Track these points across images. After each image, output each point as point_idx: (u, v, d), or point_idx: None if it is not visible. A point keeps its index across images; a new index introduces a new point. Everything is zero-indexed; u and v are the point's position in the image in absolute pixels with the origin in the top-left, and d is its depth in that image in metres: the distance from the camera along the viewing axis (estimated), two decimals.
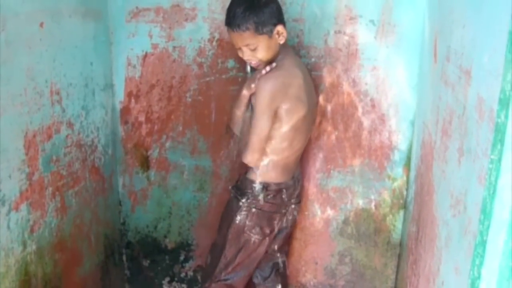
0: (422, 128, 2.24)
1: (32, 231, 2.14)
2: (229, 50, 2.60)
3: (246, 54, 2.19)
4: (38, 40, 2.12)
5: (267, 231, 2.33)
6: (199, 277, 3.00)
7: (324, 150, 2.65)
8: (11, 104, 1.96)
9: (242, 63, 2.51)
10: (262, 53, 2.17)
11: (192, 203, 2.89)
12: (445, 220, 1.54)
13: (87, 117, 2.55)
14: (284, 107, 2.13)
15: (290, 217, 2.44)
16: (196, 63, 2.68)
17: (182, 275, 3.03)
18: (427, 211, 1.91)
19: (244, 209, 2.30)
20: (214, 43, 2.63)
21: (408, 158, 2.54)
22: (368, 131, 2.55)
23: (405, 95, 2.47)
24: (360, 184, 2.63)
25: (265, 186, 2.27)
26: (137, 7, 2.66)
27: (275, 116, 2.15)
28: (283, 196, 2.32)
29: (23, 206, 2.07)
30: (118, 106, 2.84)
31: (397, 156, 2.56)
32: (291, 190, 2.36)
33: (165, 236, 2.99)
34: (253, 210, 2.29)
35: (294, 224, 2.56)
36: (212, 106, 2.72)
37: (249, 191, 2.29)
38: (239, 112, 2.33)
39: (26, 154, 2.08)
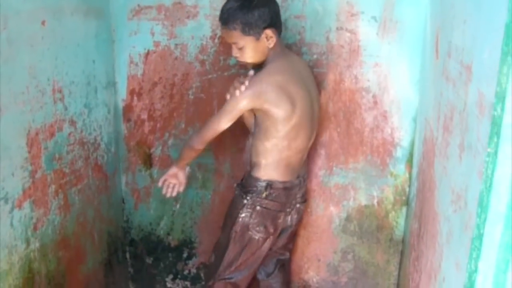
0: (424, 125, 2.24)
1: (35, 228, 2.14)
2: (231, 47, 2.59)
3: (234, 51, 2.23)
4: (40, 38, 2.13)
5: (271, 229, 2.33)
6: (202, 274, 3.01)
7: (326, 147, 2.65)
8: (13, 102, 1.97)
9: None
10: (249, 54, 2.19)
11: (195, 200, 2.90)
12: (446, 216, 1.53)
13: (90, 115, 2.56)
14: (272, 110, 2.13)
15: (295, 216, 2.43)
16: (198, 61, 2.68)
17: (185, 272, 3.04)
18: (429, 207, 1.91)
19: (248, 207, 2.29)
20: (216, 40, 2.63)
21: (411, 155, 2.54)
22: (370, 128, 2.54)
23: (407, 91, 2.47)
24: (362, 181, 2.63)
25: (269, 184, 2.26)
26: (138, 5, 2.66)
27: (268, 116, 2.16)
28: (288, 195, 2.31)
29: (26, 204, 2.08)
30: (121, 104, 2.84)
31: (399, 153, 2.56)
32: (296, 189, 2.35)
33: (168, 234, 3.00)
34: (257, 208, 2.29)
35: (299, 223, 2.55)
36: (214, 103, 2.72)
37: (253, 189, 2.29)
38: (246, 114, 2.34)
39: (29, 152, 2.09)
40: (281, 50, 2.22)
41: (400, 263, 2.69)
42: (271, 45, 2.17)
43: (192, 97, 2.74)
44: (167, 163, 2.87)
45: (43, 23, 2.14)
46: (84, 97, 2.50)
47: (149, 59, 2.74)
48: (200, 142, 2.30)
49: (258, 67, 2.23)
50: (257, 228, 2.31)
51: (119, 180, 2.96)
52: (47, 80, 2.19)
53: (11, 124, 1.97)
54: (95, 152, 2.64)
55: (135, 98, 2.82)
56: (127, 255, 3.09)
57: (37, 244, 2.17)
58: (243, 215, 2.30)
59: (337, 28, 2.46)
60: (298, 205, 2.42)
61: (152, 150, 2.88)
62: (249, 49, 2.18)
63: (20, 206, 2.04)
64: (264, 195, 2.26)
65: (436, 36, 2.02)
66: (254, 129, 2.30)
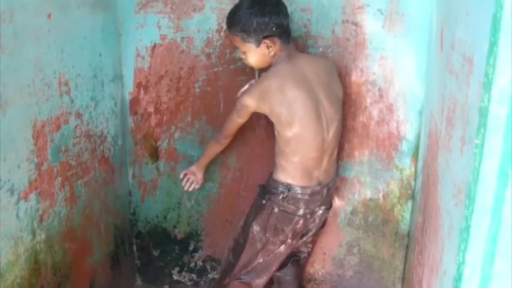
0: (429, 118, 2.23)
1: (41, 220, 2.16)
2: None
3: (240, 53, 2.32)
4: (46, 31, 2.14)
5: (289, 233, 2.30)
6: (208, 267, 3.02)
7: None
8: (19, 95, 1.98)
9: None
10: (251, 60, 2.26)
11: (201, 193, 2.91)
12: (448, 210, 1.53)
13: (96, 108, 2.57)
14: (270, 113, 2.17)
15: (317, 221, 2.39)
16: (204, 54, 2.69)
17: (192, 265, 3.05)
18: (432, 201, 1.90)
19: (266, 208, 2.29)
20: (222, 33, 2.63)
21: (416, 148, 2.53)
22: (376, 121, 2.54)
23: (413, 84, 2.46)
24: (368, 175, 2.63)
25: (288, 188, 2.25)
26: None
27: (272, 119, 2.20)
28: (307, 201, 2.27)
29: (32, 196, 2.10)
30: (128, 97, 2.86)
31: (405, 147, 2.55)
32: (318, 196, 2.30)
33: (175, 226, 3.02)
34: (275, 210, 2.27)
35: (321, 228, 2.52)
36: (220, 96, 2.73)
37: (272, 190, 2.28)
38: None
39: (35, 144, 2.10)
40: (286, 56, 2.22)
41: (406, 257, 2.69)
42: (271, 54, 2.20)
43: (198, 90, 2.75)
44: (173, 156, 2.89)
45: (49, 16, 2.15)
46: (90, 90, 2.51)
47: (155, 52, 2.75)
48: (222, 136, 2.45)
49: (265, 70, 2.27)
50: (274, 231, 2.29)
51: (126, 173, 2.97)
52: (53, 73, 2.20)
53: (17, 117, 1.98)
54: (102, 144, 2.66)
55: (142, 91, 2.83)
56: (134, 248, 3.11)
57: (43, 236, 2.19)
58: (261, 216, 2.30)
59: (342, 21, 2.45)
60: (321, 212, 2.37)
61: (158, 143, 2.90)
62: (250, 55, 2.24)
63: (26, 198, 2.06)
64: (281, 197, 2.25)
65: (441, 28, 2.01)
66: None
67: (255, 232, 2.32)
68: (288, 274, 2.61)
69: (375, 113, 2.53)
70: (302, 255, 2.60)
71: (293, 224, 2.29)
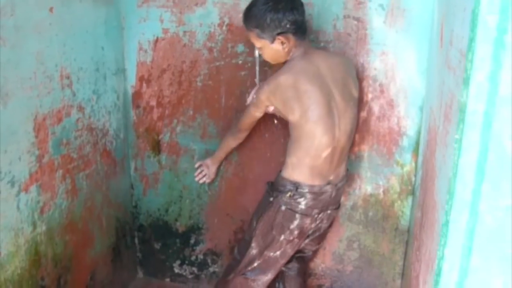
0: (429, 114, 2.22)
1: (42, 212, 2.18)
2: (238, 35, 2.61)
3: (256, 49, 2.34)
4: (48, 24, 2.15)
5: (295, 232, 2.29)
6: (209, 261, 3.04)
7: None
8: (20, 87, 2.00)
9: (251, 48, 2.51)
10: (267, 55, 2.28)
11: (203, 187, 2.92)
12: (442, 205, 1.53)
13: (98, 101, 2.59)
14: (283, 108, 2.18)
15: (325, 221, 2.38)
16: (206, 48, 2.69)
17: (193, 258, 3.07)
18: (430, 196, 1.90)
19: (274, 206, 2.28)
20: (224, 27, 2.63)
21: (417, 144, 2.52)
22: (377, 116, 2.53)
23: (414, 80, 2.45)
24: (368, 170, 2.62)
25: (296, 186, 2.23)
26: None
27: (285, 115, 2.20)
28: (315, 200, 2.25)
29: (33, 188, 2.12)
30: (130, 91, 2.87)
31: (405, 142, 2.54)
32: (326, 196, 2.28)
33: (176, 220, 3.03)
34: (282, 208, 2.26)
35: (329, 227, 2.51)
36: (222, 90, 2.73)
37: (280, 188, 2.27)
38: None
39: (36, 137, 2.12)
40: (302, 52, 2.22)
41: (405, 252, 2.69)
42: (286, 50, 2.21)
43: (200, 84, 2.75)
44: (175, 150, 2.90)
45: (51, 9, 2.16)
46: (92, 83, 2.52)
47: (158, 46, 2.76)
48: (237, 130, 2.52)
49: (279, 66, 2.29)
50: (281, 229, 2.28)
51: (128, 166, 2.99)
52: (55, 66, 2.22)
53: (18, 109, 2.00)
54: (104, 138, 2.67)
55: (144, 84, 2.84)
56: (136, 240, 3.13)
57: (44, 228, 2.21)
58: (268, 214, 2.29)
59: (344, 16, 2.45)
60: (329, 212, 2.36)
61: (160, 137, 2.91)
62: (265, 51, 2.26)
63: (26, 190, 2.08)
64: (288, 195, 2.24)
65: (441, 24, 2.01)
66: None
67: (261, 229, 2.32)
68: (292, 269, 2.61)
69: (376, 108, 2.52)
70: (307, 253, 2.59)
71: (300, 223, 2.27)
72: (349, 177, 2.61)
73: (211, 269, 3.06)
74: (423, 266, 1.89)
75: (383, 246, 2.73)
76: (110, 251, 2.83)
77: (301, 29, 2.20)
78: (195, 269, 3.09)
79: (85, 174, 2.51)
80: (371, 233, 2.72)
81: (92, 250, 2.63)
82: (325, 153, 2.20)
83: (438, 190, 1.69)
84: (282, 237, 2.29)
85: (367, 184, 2.65)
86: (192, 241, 3.04)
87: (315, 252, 2.68)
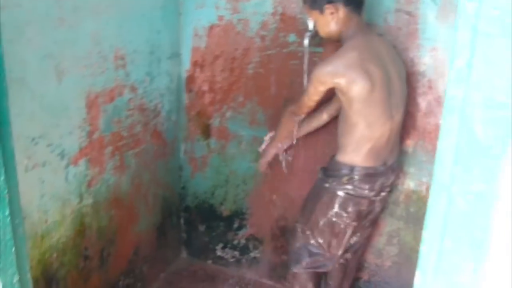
0: None
1: (89, 185, 2.29)
2: (291, 24, 2.62)
3: (306, 37, 2.33)
4: (105, 6, 2.24)
5: (353, 215, 2.26)
6: (250, 246, 3.08)
7: None
8: (75, 66, 2.10)
9: (302, 37, 2.52)
10: (320, 27, 2.23)
11: (248, 173, 2.96)
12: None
13: (152, 83, 2.67)
14: (348, 87, 2.09)
15: (379, 203, 2.35)
16: (259, 36, 2.72)
17: (235, 242, 3.13)
18: None
19: (329, 191, 2.26)
20: (277, 17, 2.66)
21: None
22: (424, 112, 2.49)
23: None
24: (412, 166, 2.58)
25: (352, 169, 2.21)
26: None
27: (345, 95, 2.12)
28: (371, 182, 2.23)
29: (82, 162, 2.22)
30: (184, 75, 2.94)
31: None
32: (382, 178, 2.25)
33: (221, 203, 3.09)
34: (339, 193, 2.24)
35: (381, 211, 2.48)
36: (272, 79, 2.76)
37: (335, 173, 2.25)
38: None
39: (88, 113, 2.23)
40: (358, 29, 2.17)
41: None
42: (335, 21, 2.16)
43: (251, 71, 2.79)
44: (224, 135, 2.95)
45: None
46: (146, 65, 2.61)
47: (212, 32, 2.81)
48: (297, 113, 2.38)
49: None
50: (338, 214, 2.25)
51: (178, 148, 3.07)
52: (110, 47, 2.31)
53: (72, 86, 2.11)
54: (155, 119, 2.76)
55: (198, 69, 2.91)
56: (181, 221, 3.22)
57: (90, 200, 2.31)
58: (324, 200, 2.27)
59: (395, 10, 2.42)
60: (383, 194, 2.33)
61: (210, 121, 2.97)
62: (318, 23, 2.22)
63: (75, 163, 2.18)
64: (345, 179, 2.22)
65: None
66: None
67: (319, 217, 2.29)
68: (332, 278, 2.59)
69: (423, 104, 2.48)
70: (355, 247, 2.51)
71: (357, 206, 2.24)
72: None
73: (252, 254, 3.10)
74: None
75: None
76: (155, 229, 2.92)
77: (354, 1, 2.16)
78: (236, 253, 3.15)
79: (134, 153, 2.61)
80: (411, 229, 2.68)
81: (137, 226, 2.73)
82: (383, 133, 2.17)
83: None
84: (340, 221, 2.26)
85: (410, 180, 2.61)
86: (235, 225, 3.10)
87: (367, 240, 2.65)
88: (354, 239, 2.41)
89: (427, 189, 2.57)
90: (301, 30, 2.26)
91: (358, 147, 2.19)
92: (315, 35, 2.33)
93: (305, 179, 2.68)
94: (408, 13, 2.39)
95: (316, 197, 2.32)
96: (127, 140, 2.53)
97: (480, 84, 0.71)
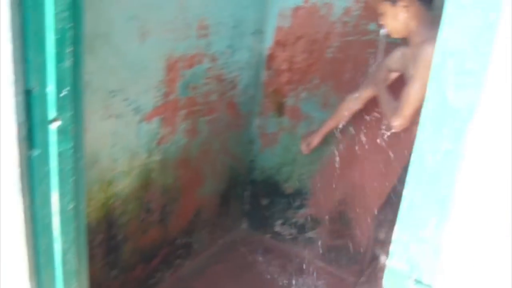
0: None
1: (159, 143, 2.43)
2: (372, 13, 2.62)
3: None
4: None
5: None
6: (308, 226, 3.14)
7: None
8: (159, 29, 2.23)
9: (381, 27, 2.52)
10: (388, 21, 2.14)
11: (316, 154, 3.00)
12: None
13: (232, 55, 2.77)
14: None
15: None
16: (341, 22, 2.75)
17: (294, 220, 3.20)
18: None
19: None
20: (360, 4, 2.67)
21: None
22: None
23: None
24: None
25: None
26: None
27: None
28: None
29: (155, 120, 2.36)
30: (265, 52, 3.02)
31: None
32: None
33: (286, 181, 3.17)
34: None
35: None
36: (349, 65, 2.78)
37: None
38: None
39: (166, 75, 2.36)
40: (430, 26, 2.03)
41: None
42: (407, 15, 2.08)
43: (330, 55, 2.83)
44: (296, 115, 3.02)
45: None
46: (229, 38, 2.71)
47: (297, 14, 2.87)
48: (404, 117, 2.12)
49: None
50: None
51: (251, 122, 3.17)
52: (195, 15, 2.42)
53: (154, 47, 2.24)
54: (232, 90, 2.86)
55: (280, 48, 2.98)
56: (246, 193, 3.32)
57: (159, 157, 2.45)
58: None
59: None
60: None
61: (285, 100, 3.04)
62: (388, 16, 2.14)
63: (149, 120, 2.33)
64: None
65: None
66: None
67: None
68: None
69: None
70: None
71: None
72: None
73: (307, 235, 3.16)
74: None
75: None
76: (218, 196, 3.05)
77: None
78: (294, 231, 3.22)
79: (207, 120, 2.73)
80: None
81: (202, 190, 2.86)
82: None
83: None
84: None
85: None
86: (296, 204, 3.17)
87: None
88: None
89: None
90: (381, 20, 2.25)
91: None
92: None
93: (367, 167, 2.70)
94: None
95: None
96: (202, 106, 2.65)
97: (453, 53, 0.74)
